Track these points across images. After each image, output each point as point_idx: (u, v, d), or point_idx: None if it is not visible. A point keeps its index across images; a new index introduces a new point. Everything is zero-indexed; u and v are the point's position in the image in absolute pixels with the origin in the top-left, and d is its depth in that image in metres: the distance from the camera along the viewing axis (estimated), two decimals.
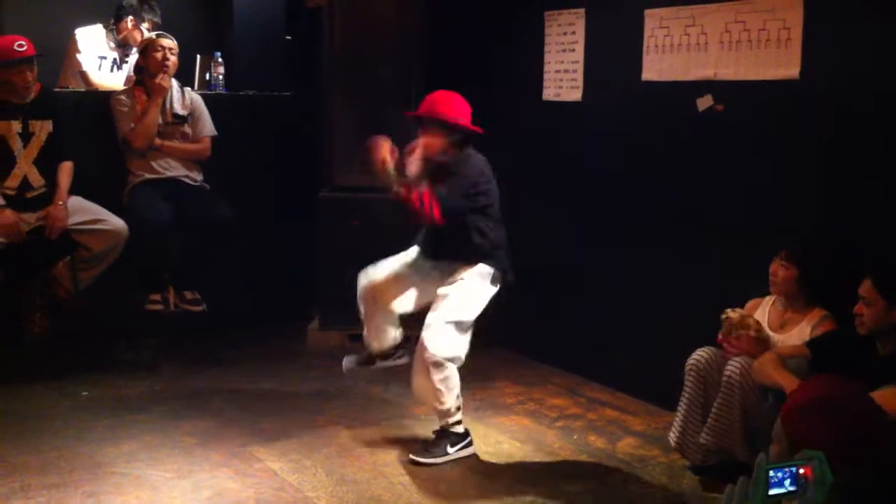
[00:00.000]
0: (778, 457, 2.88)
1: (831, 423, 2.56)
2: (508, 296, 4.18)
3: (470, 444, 4.09)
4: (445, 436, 4.05)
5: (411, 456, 4.01)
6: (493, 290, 4.08)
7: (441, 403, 3.99)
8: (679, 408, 3.80)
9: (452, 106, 3.98)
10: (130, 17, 5.86)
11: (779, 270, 3.75)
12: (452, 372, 3.97)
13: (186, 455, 4.00)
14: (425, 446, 4.08)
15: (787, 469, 1.79)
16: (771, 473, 1.77)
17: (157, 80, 5.25)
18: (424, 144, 4.00)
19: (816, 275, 3.71)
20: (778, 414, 3.31)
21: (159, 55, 5.26)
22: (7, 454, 3.93)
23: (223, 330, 5.42)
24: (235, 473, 3.84)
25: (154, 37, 5.32)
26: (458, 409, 4.05)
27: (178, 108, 5.37)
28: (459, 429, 4.07)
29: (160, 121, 5.29)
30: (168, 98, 5.33)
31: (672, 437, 3.83)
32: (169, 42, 5.31)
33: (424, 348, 3.92)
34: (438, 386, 3.94)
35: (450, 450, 4.02)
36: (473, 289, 4.01)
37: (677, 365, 3.88)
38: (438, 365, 3.91)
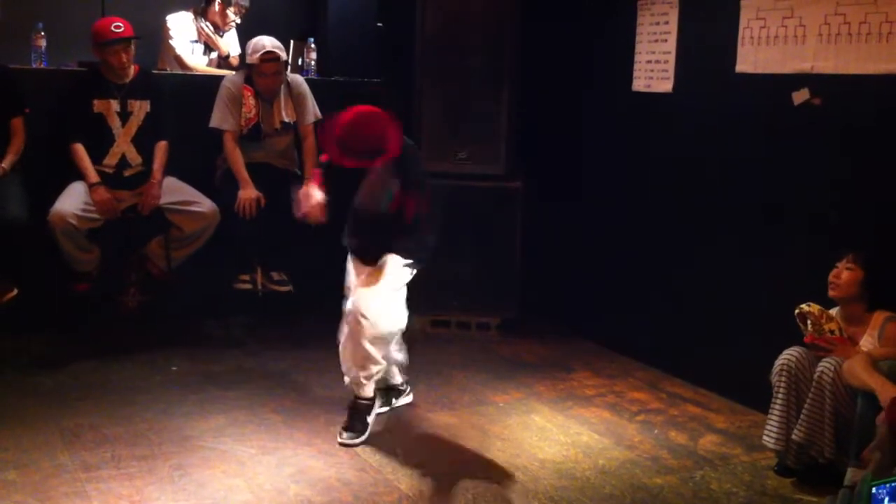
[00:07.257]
0: (879, 466, 2.83)
1: None
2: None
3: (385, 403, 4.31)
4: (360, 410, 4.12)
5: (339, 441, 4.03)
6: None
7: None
8: (773, 410, 3.74)
9: (376, 135, 3.85)
10: (218, 0, 5.96)
11: (843, 272, 3.70)
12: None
13: (271, 432, 4.09)
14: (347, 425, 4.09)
15: (889, 485, 1.75)
16: (874, 490, 1.73)
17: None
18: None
19: (882, 279, 3.65)
20: (871, 417, 3.24)
21: (264, 80, 5.23)
22: (100, 424, 4.07)
23: (309, 310, 5.50)
24: (318, 452, 3.91)
25: (258, 61, 5.17)
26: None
27: (286, 116, 5.36)
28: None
29: (266, 129, 5.34)
30: (277, 105, 5.33)
31: (769, 440, 3.75)
32: (272, 66, 5.20)
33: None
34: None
35: (369, 419, 4.11)
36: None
37: (762, 363, 3.83)
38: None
